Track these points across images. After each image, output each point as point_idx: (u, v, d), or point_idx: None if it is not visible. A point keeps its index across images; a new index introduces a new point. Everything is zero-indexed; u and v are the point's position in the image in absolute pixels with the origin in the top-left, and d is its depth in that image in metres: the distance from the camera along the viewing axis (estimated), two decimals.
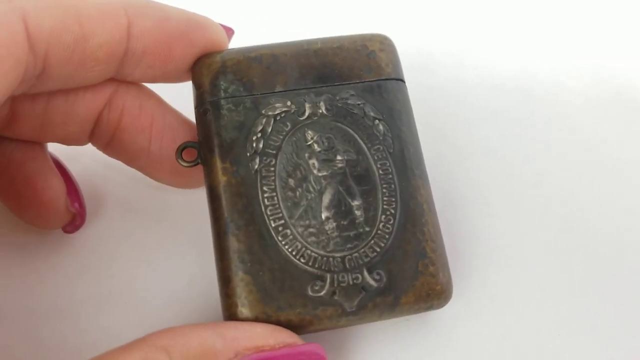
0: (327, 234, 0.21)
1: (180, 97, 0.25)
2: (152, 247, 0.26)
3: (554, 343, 0.24)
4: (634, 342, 0.25)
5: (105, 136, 0.24)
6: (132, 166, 0.25)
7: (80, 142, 0.24)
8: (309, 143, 0.22)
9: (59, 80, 0.21)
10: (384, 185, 0.22)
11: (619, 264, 0.26)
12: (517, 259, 0.26)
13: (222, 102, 0.22)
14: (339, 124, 0.22)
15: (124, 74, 0.22)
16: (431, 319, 0.25)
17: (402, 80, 0.24)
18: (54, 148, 0.25)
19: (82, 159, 0.27)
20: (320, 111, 0.22)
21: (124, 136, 0.24)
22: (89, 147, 0.25)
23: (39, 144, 0.24)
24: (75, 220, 0.25)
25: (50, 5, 0.20)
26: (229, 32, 0.24)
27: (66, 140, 0.24)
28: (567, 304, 0.25)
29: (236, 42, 0.24)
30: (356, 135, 0.22)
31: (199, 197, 0.25)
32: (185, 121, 0.24)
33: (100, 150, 0.25)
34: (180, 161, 0.22)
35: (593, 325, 0.25)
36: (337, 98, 0.22)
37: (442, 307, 0.22)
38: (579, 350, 0.24)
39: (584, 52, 0.32)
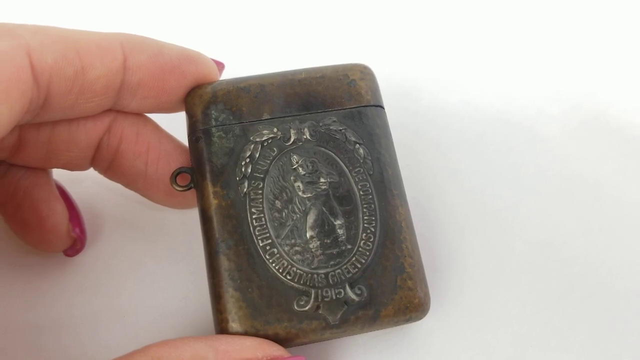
0: (312, 252, 0.22)
1: (175, 124, 0.26)
2: (149, 265, 0.26)
3: (526, 354, 0.25)
4: (603, 352, 0.25)
5: (105, 161, 0.25)
6: (130, 188, 0.26)
7: (82, 167, 0.25)
8: (295, 167, 0.23)
9: (60, 109, 0.22)
10: (365, 205, 0.23)
11: (590, 280, 0.27)
12: (492, 275, 0.27)
13: (213, 130, 0.23)
14: (322, 149, 0.23)
15: (121, 105, 0.23)
16: (410, 331, 0.25)
17: (382, 107, 0.25)
18: (57, 173, 0.26)
19: (84, 182, 0.28)
20: (305, 137, 0.23)
21: (122, 161, 0.25)
22: (90, 171, 0.26)
23: (45, 172, 0.25)
24: (75, 245, 0.26)
25: (53, 41, 0.21)
26: (220, 66, 0.25)
27: (69, 166, 0.25)
28: (539, 317, 0.26)
29: (228, 73, 0.25)
30: (338, 159, 0.23)
31: (193, 216, 0.26)
32: (179, 146, 0.25)
33: (100, 174, 0.26)
34: (174, 186, 0.23)
35: (564, 336, 0.26)
36: (320, 124, 0.23)
37: (420, 319, 0.23)
38: None
39: (563, 77, 0.32)
